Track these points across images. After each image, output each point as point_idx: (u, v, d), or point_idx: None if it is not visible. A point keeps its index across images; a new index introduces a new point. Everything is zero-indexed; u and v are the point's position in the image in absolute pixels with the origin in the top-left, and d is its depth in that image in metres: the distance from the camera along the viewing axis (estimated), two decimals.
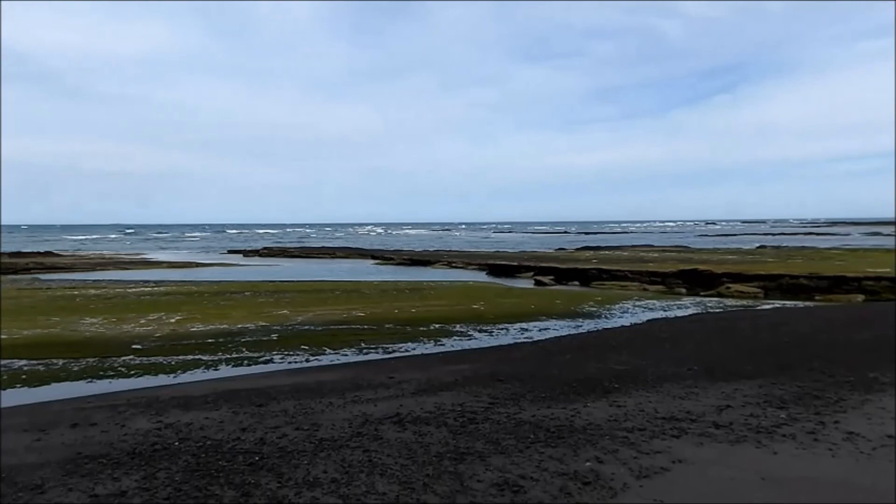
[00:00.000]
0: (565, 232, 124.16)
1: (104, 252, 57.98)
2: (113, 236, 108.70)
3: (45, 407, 8.46)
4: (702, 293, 24.34)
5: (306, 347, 13.07)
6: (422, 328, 15.45)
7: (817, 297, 22.62)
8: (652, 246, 59.81)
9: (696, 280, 26.55)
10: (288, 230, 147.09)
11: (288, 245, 68.77)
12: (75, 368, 11.19)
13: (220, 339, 13.81)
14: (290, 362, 11.79)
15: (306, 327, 15.47)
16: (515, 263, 35.36)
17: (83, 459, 5.96)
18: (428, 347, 13.38)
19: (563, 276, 30.32)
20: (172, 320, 16.35)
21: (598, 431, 6.63)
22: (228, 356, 12.24)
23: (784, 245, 58.14)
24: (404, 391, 8.68)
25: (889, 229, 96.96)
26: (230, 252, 59.97)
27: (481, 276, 33.00)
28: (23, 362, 11.56)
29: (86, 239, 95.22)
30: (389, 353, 12.68)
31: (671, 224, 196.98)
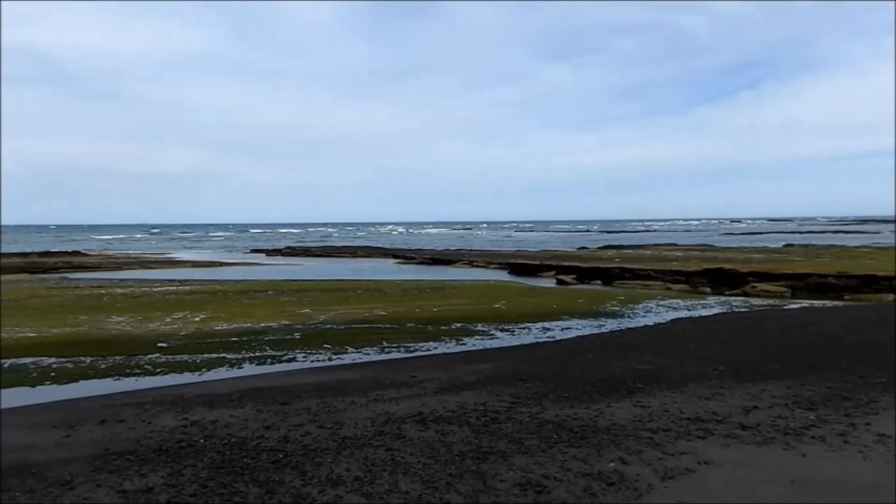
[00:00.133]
0: (587, 231, 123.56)
1: (130, 252, 58.97)
2: (139, 236, 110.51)
3: (74, 404, 8.62)
4: (727, 292, 23.99)
5: (329, 346, 13.14)
6: (443, 327, 15.44)
7: (846, 297, 22.16)
8: (675, 244, 59.20)
9: (721, 279, 26.17)
10: (310, 230, 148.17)
11: (310, 244, 69.21)
12: (103, 366, 11.38)
13: (244, 338, 13.94)
14: (312, 361, 11.87)
15: (329, 326, 15.56)
16: (537, 262, 35.19)
17: (111, 456, 6.06)
18: (450, 346, 13.36)
19: (585, 275, 30.10)
20: (197, 319, 16.54)
21: (622, 432, 6.56)
22: (252, 354, 12.36)
23: (812, 243, 57.11)
24: (426, 390, 8.69)
25: None
26: (253, 251, 60.65)
27: (503, 276, 32.89)
28: (52, 360, 11.79)
29: (112, 239, 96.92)
30: (411, 351, 12.70)
31: (695, 222, 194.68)
